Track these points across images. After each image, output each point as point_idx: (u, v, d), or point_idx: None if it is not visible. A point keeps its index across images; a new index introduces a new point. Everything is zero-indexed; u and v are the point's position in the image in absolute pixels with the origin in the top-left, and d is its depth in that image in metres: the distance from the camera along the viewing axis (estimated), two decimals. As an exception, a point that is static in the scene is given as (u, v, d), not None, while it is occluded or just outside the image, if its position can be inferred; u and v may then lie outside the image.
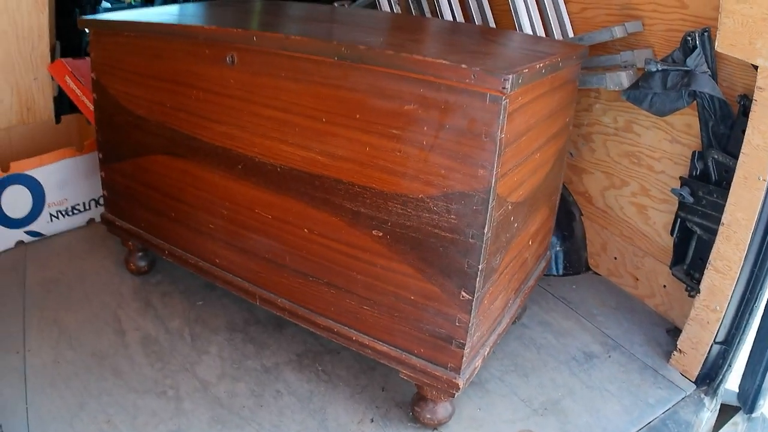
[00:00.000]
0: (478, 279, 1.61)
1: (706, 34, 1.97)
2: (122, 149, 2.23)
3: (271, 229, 1.92)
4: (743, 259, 1.93)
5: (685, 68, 1.98)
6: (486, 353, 1.87)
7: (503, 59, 1.60)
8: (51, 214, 2.65)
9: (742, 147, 1.88)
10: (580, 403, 2.02)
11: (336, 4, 3.10)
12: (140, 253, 2.42)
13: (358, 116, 1.64)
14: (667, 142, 2.26)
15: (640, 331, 2.35)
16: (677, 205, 2.20)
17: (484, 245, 1.58)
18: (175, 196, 2.12)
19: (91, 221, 2.80)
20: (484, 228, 1.56)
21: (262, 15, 2.29)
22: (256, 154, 1.86)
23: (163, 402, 1.91)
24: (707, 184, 2.08)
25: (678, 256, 2.26)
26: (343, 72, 1.64)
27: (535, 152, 1.82)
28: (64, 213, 2.68)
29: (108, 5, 3.93)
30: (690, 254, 2.22)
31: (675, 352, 2.16)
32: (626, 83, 2.12)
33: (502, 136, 1.49)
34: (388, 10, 2.86)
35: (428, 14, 2.86)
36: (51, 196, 2.62)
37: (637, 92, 2.10)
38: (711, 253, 2.01)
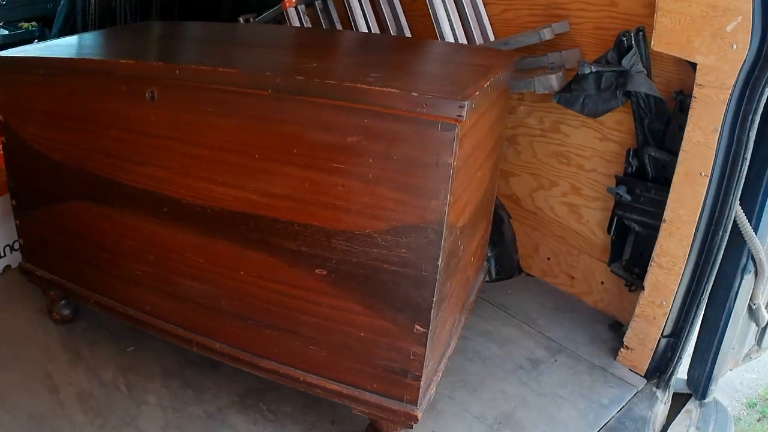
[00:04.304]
0: (432, 311, 1.56)
1: (641, 33, 1.96)
2: (38, 196, 2.05)
3: (203, 274, 1.80)
4: (687, 255, 1.94)
5: (620, 69, 1.98)
6: (438, 379, 1.83)
7: (449, 80, 1.53)
8: (-35, 265, 2.42)
9: (683, 144, 1.88)
10: (535, 413, 2.01)
11: (241, 19, 2.97)
12: (63, 302, 2.24)
13: (295, 151, 1.54)
14: (598, 141, 2.26)
15: (583, 330, 2.35)
16: (613, 204, 2.21)
17: (437, 277, 1.53)
18: (97, 243, 1.97)
19: (7, 268, 2.57)
20: (437, 260, 1.51)
21: (176, 41, 2.14)
22: (183, 195, 1.73)
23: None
24: (644, 181, 2.10)
25: (616, 253, 2.28)
26: (277, 105, 1.54)
27: (478, 171, 1.78)
28: (-23, 262, 2.45)
29: (5, 32, 3.66)
30: (628, 250, 2.24)
31: (622, 349, 2.18)
32: (556, 86, 2.09)
33: (454, 165, 1.43)
34: (298, 24, 2.72)
35: (339, 25, 2.75)
36: (-37, 245, 2.38)
37: (569, 95, 2.08)
38: (654, 250, 2.02)
